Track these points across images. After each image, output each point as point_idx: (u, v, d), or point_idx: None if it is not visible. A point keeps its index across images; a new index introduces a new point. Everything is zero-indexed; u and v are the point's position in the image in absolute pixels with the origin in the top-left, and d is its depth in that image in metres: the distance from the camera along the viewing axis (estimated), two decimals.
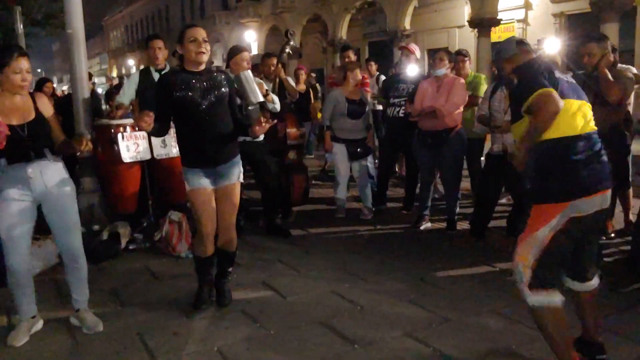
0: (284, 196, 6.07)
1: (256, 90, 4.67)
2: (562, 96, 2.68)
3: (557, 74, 2.80)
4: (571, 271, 2.93)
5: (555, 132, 2.69)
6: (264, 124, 3.54)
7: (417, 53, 6.42)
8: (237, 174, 3.72)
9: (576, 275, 2.93)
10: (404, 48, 6.53)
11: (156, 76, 5.28)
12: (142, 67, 6.09)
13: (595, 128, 2.81)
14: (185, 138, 3.60)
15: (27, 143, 3.20)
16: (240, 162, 3.77)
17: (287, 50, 5.85)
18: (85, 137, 3.28)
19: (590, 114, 2.81)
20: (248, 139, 5.14)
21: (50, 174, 3.31)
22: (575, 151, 2.69)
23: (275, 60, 5.99)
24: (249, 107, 5.02)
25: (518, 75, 2.94)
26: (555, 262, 2.75)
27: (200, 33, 3.47)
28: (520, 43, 3.09)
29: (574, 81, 2.89)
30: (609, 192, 2.77)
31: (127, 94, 5.37)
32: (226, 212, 3.70)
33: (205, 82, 3.52)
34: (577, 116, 2.73)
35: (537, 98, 2.64)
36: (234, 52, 5.11)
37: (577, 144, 2.69)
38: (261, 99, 4.96)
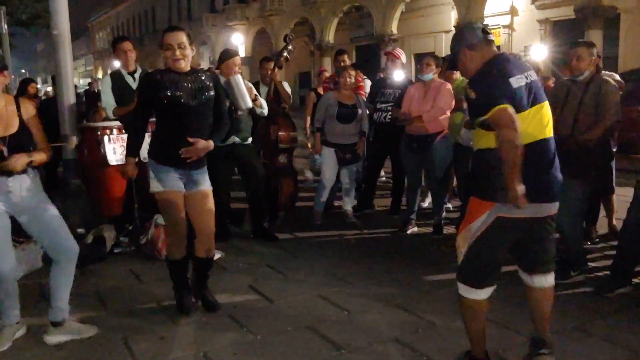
0: (272, 199, 6.06)
1: (246, 95, 4.65)
2: (518, 107, 2.61)
3: (516, 79, 2.66)
4: (523, 263, 2.96)
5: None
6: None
7: (403, 58, 6.45)
8: (207, 180, 3.69)
9: (527, 267, 2.95)
10: (389, 54, 6.56)
11: (129, 79, 5.19)
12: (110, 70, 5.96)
13: (549, 135, 2.76)
14: (167, 137, 3.52)
15: (7, 157, 3.10)
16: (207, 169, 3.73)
17: (285, 54, 5.86)
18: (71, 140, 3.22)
19: (545, 118, 2.75)
20: (238, 141, 5.14)
21: (28, 188, 3.22)
22: None
23: (272, 64, 5.98)
24: (239, 112, 5.00)
25: (479, 75, 2.77)
26: (485, 259, 2.79)
27: (176, 38, 3.39)
28: (485, 33, 2.85)
29: (535, 80, 2.76)
30: (546, 205, 2.76)
31: (110, 97, 5.26)
32: (205, 219, 3.66)
33: (193, 82, 3.49)
34: (529, 125, 2.66)
35: (497, 116, 2.56)
36: (226, 56, 5.04)
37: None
38: (250, 104, 4.95)
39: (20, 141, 3.18)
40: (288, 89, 6.17)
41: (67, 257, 3.36)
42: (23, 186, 3.20)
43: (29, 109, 3.30)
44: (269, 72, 5.95)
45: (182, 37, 3.41)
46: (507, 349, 3.17)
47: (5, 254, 3.22)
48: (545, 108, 2.77)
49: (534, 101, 2.71)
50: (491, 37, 2.86)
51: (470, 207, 2.83)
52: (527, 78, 2.71)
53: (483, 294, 2.83)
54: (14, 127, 3.16)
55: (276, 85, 5.89)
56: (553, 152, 2.79)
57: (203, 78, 3.56)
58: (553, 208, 2.82)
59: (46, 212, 3.32)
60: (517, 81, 2.67)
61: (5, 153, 3.10)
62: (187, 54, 3.44)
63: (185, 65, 3.47)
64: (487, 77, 2.72)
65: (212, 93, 3.57)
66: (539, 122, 2.73)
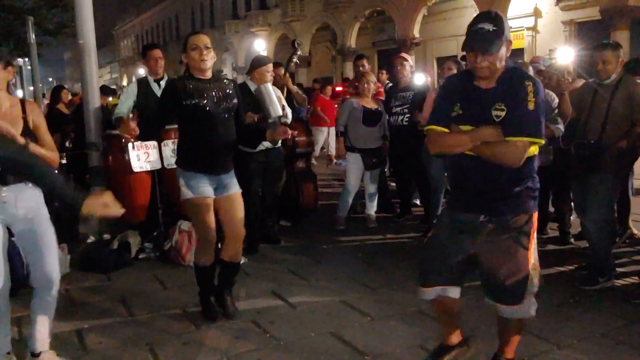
0: (293, 204, 6.08)
1: (276, 103, 4.71)
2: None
3: None
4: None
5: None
6: (284, 132, 3.68)
7: (411, 61, 6.53)
8: (237, 183, 3.72)
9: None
10: (397, 57, 6.50)
11: (154, 86, 5.24)
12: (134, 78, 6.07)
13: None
14: (195, 145, 3.58)
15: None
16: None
17: (295, 60, 5.90)
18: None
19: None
20: (270, 146, 5.18)
21: (25, 200, 2.92)
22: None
23: (282, 70, 6.03)
24: (269, 121, 5.06)
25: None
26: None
27: (202, 40, 3.50)
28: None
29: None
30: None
31: (125, 106, 5.30)
32: (235, 223, 3.68)
33: (217, 90, 3.57)
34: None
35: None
36: (260, 62, 5.14)
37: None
38: (280, 112, 5.00)
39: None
40: (302, 95, 6.22)
41: (43, 284, 3.00)
42: (19, 196, 2.91)
43: (35, 112, 3.06)
44: (279, 77, 5.98)
45: (207, 40, 3.54)
46: (532, 356, 3.12)
47: None
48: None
49: None
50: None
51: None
52: None
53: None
54: (18, 129, 2.92)
55: (289, 90, 5.92)
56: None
57: (227, 86, 3.65)
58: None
59: (38, 231, 2.98)
60: None
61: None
62: (212, 56, 3.54)
63: (209, 67, 3.55)
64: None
65: (235, 101, 3.66)
66: None
